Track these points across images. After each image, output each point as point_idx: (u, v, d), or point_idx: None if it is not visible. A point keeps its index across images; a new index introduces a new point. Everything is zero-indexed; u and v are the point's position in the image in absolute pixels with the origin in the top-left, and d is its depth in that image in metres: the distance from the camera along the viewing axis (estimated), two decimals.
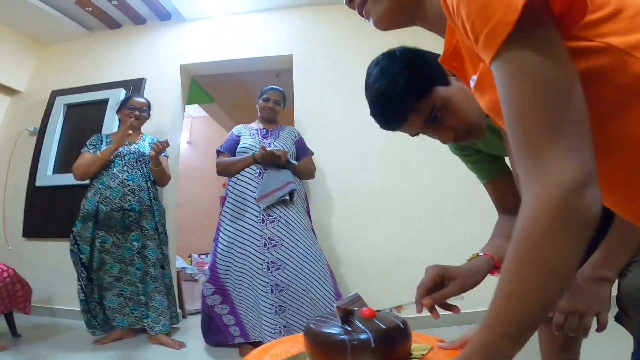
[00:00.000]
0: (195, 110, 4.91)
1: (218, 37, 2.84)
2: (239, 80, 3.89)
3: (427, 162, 2.34)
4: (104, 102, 2.72)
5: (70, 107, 2.82)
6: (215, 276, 1.88)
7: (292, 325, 1.73)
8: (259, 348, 0.74)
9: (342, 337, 0.58)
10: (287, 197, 1.87)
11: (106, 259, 1.99)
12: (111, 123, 2.63)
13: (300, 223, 1.88)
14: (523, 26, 0.36)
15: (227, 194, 1.99)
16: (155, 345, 1.98)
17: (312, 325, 0.64)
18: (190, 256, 5.05)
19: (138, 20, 2.94)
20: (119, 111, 2.21)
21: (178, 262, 2.96)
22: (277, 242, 1.81)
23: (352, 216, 2.37)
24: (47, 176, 2.66)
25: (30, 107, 2.94)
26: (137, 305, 2.01)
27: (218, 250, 1.89)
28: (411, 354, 0.64)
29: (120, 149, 2.06)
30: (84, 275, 1.95)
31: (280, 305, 1.74)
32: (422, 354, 0.67)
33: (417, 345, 0.71)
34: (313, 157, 2.20)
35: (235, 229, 1.87)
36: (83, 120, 2.78)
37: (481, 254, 0.80)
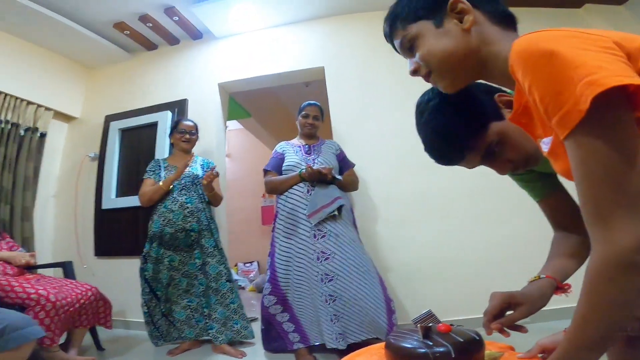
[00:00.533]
0: (232, 123, 5.00)
1: (250, 53, 2.95)
2: (271, 93, 4.00)
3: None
4: (153, 125, 2.91)
5: (124, 132, 3.03)
6: (277, 288, 1.98)
7: (347, 332, 1.81)
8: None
9: (424, 350, 0.64)
10: (336, 213, 1.95)
11: (174, 275, 2.17)
12: (163, 145, 2.81)
13: (348, 236, 1.96)
14: (592, 113, 0.42)
15: (277, 211, 2.09)
16: (219, 355, 2.12)
17: (392, 340, 0.71)
18: (236, 265, 5.29)
19: (172, 40, 3.13)
20: (171, 135, 2.37)
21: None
22: (329, 255, 1.89)
23: (397, 223, 2.41)
24: (111, 199, 2.89)
25: (88, 132, 3.17)
26: (202, 317, 2.16)
27: (276, 264, 1.99)
28: None
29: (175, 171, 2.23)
30: (147, 291, 2.13)
31: (334, 315, 1.82)
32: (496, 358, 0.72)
33: (489, 352, 0.76)
34: (355, 168, 2.27)
35: (290, 244, 1.98)
36: (137, 143, 2.97)
37: (543, 276, 0.81)
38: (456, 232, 2.32)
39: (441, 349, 0.64)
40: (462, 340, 0.65)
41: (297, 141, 2.26)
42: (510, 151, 0.73)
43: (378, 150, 2.51)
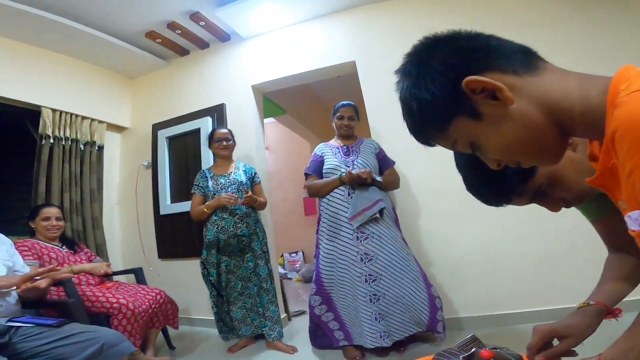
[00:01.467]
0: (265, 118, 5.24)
1: (278, 51, 2.97)
2: (304, 87, 4.01)
3: None
4: (196, 132, 3.07)
5: (170, 139, 3.21)
6: (321, 288, 2.09)
7: (391, 331, 1.88)
8: None
9: None
10: (378, 215, 2.00)
11: (231, 278, 2.35)
12: (207, 151, 2.90)
13: (391, 237, 2.00)
14: None
15: (320, 214, 2.18)
16: (273, 350, 2.29)
17: None
18: (282, 255, 5.51)
19: (202, 44, 3.22)
20: (210, 145, 2.51)
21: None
22: (372, 256, 1.95)
23: (442, 218, 2.39)
24: (168, 205, 3.12)
25: (139, 142, 3.39)
26: (256, 316, 2.34)
27: (321, 265, 2.09)
28: None
29: (223, 181, 2.38)
30: (215, 293, 2.33)
31: (379, 313, 1.89)
32: None
33: None
34: (395, 166, 2.27)
35: (334, 246, 2.06)
36: (183, 150, 3.16)
37: (592, 302, 0.78)
38: (507, 226, 2.26)
39: None
40: None
41: (335, 142, 2.29)
42: (563, 191, 0.71)
43: (420, 144, 2.46)
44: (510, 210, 2.20)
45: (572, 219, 2.07)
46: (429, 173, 2.42)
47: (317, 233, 2.18)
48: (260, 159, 2.99)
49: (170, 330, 2.49)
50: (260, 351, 2.31)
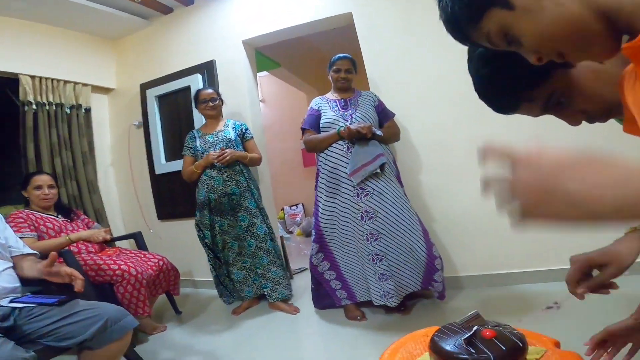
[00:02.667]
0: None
1: (269, 4, 2.77)
2: (298, 40, 3.80)
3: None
4: (186, 90, 2.96)
5: (160, 98, 3.11)
6: (324, 245, 2.06)
7: (395, 291, 1.88)
8: (387, 352, 0.89)
9: (465, 357, 0.68)
10: (378, 170, 1.93)
11: (226, 239, 2.35)
12: None
13: (392, 193, 1.94)
14: None
15: (319, 170, 2.11)
16: (275, 311, 2.34)
17: (436, 339, 0.75)
18: (282, 209, 5.55)
19: (185, 0, 3.02)
20: (196, 107, 2.45)
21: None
22: (372, 214, 1.91)
23: (444, 172, 2.31)
24: (162, 164, 3.07)
25: (128, 102, 3.29)
26: (257, 277, 2.36)
27: (321, 222, 2.04)
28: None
29: (210, 139, 2.34)
30: (211, 256, 2.35)
31: (382, 274, 1.89)
32: (537, 359, 0.75)
33: (532, 348, 0.78)
34: (395, 118, 2.18)
35: (334, 203, 2.01)
36: (175, 108, 3.06)
37: None
38: None
39: (483, 357, 0.67)
40: (504, 349, 0.68)
41: (331, 96, 2.19)
42: (583, 102, 0.62)
43: (422, 97, 2.34)
44: None
45: None
46: (431, 126, 2.32)
47: (315, 189, 2.13)
48: (255, 113, 2.91)
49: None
50: (263, 312, 2.36)
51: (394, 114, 2.18)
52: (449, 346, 0.72)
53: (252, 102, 2.90)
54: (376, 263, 1.91)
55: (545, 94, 0.62)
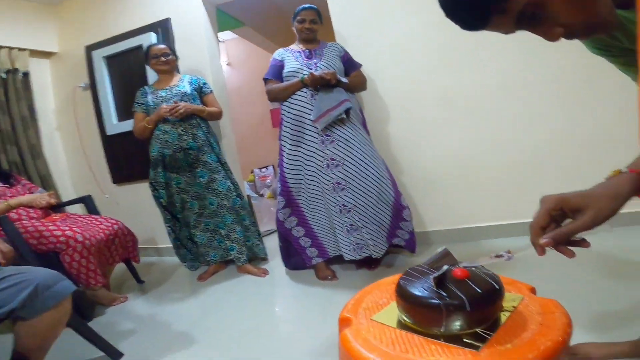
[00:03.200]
0: (226, 34, 4.83)
1: None
2: None
3: (500, 58, 2.03)
4: (139, 49, 2.75)
5: (109, 59, 2.90)
6: (290, 199, 1.96)
7: (364, 244, 1.83)
8: (350, 302, 0.80)
9: (436, 301, 0.60)
10: (344, 115, 1.85)
11: (185, 198, 2.20)
12: None
13: (358, 140, 1.86)
14: None
15: (282, 119, 2.00)
16: (244, 275, 2.24)
17: (402, 284, 0.66)
18: (252, 172, 5.43)
19: None
20: (148, 63, 2.27)
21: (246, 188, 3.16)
22: (339, 162, 1.83)
23: (413, 124, 2.23)
24: (114, 124, 2.85)
25: (72, 65, 3.03)
26: (222, 238, 2.24)
27: (286, 175, 1.95)
28: (502, 307, 0.65)
29: (163, 93, 2.18)
30: (169, 217, 2.20)
31: (350, 225, 1.83)
32: (514, 307, 0.67)
33: (509, 295, 0.71)
34: (362, 69, 2.09)
35: (298, 152, 1.91)
36: (127, 68, 2.85)
37: (625, 170, 0.58)
38: (483, 134, 2.12)
39: (455, 302, 0.58)
40: (479, 291, 0.59)
41: (296, 47, 2.08)
42: (561, 14, 0.54)
43: (389, 48, 2.22)
44: (485, 118, 2.11)
45: (552, 128, 2.03)
46: (400, 78, 2.22)
47: (279, 139, 2.03)
48: (216, 72, 2.71)
49: (136, 264, 2.38)
50: (231, 277, 2.26)
51: (360, 65, 2.09)
52: (416, 290, 0.63)
53: (213, 61, 2.71)
54: (344, 215, 1.83)
55: (520, 5, 0.54)
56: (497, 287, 0.61)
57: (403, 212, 1.87)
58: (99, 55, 2.88)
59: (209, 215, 2.22)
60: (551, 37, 0.57)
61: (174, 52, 2.27)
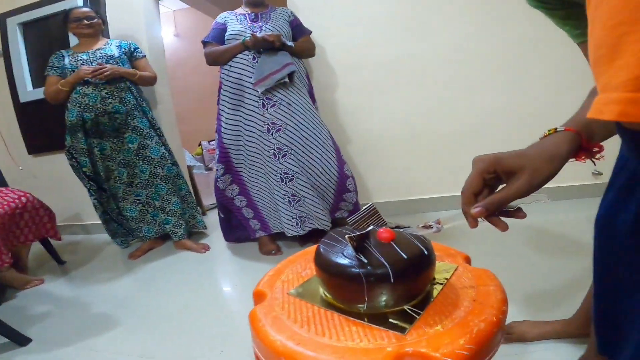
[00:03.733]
0: (175, 3, 4.63)
1: None
2: None
3: (451, 29, 2.00)
4: (61, 14, 2.36)
5: (26, 25, 2.57)
6: (230, 165, 1.84)
7: (307, 216, 1.74)
8: (269, 274, 0.69)
9: (356, 270, 0.50)
10: (287, 79, 1.71)
11: (111, 166, 1.98)
12: None
13: (302, 105, 1.75)
14: None
15: (221, 83, 1.84)
16: (182, 251, 2.08)
17: (322, 251, 0.56)
18: (200, 144, 5.17)
19: None
20: (67, 28, 2.00)
21: (186, 158, 2.96)
22: (280, 126, 1.71)
23: (360, 91, 2.16)
24: (29, 91, 2.54)
25: None
26: (156, 211, 2.05)
27: (225, 141, 1.81)
28: (434, 279, 0.57)
29: (84, 56, 1.93)
30: (94, 188, 1.97)
31: (293, 195, 1.73)
32: (446, 278, 0.60)
33: (442, 265, 0.64)
34: (312, 35, 1.95)
35: (238, 116, 1.77)
36: (46, 35, 2.54)
37: (561, 128, 0.52)
38: (431, 103, 2.10)
39: (378, 271, 0.49)
40: (405, 257, 0.50)
41: (241, 10, 1.89)
42: None
43: (341, 16, 2.11)
44: (432, 87, 2.01)
45: (495, 99, 2.02)
46: (350, 46, 2.12)
47: (217, 104, 1.87)
48: (153, 39, 2.43)
49: (58, 243, 2.14)
50: (167, 254, 2.09)
51: (310, 31, 1.95)
52: (335, 257, 0.54)
53: (151, 27, 2.42)
54: (285, 184, 1.72)
55: None
56: (426, 253, 0.53)
57: (347, 181, 1.80)
58: (13, 22, 2.55)
59: (141, 185, 2.02)
60: None
61: (100, 16, 2.04)
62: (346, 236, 0.51)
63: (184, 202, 2.13)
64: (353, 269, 0.51)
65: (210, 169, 4.77)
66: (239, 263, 1.88)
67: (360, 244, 0.53)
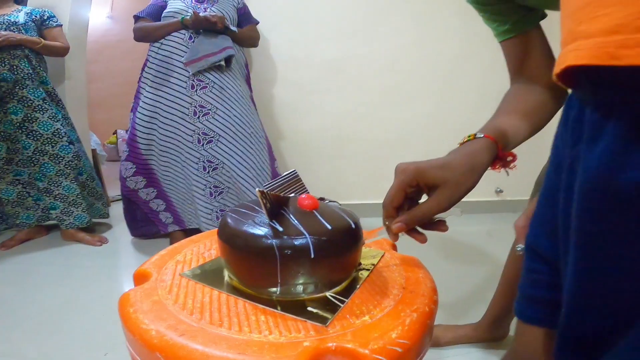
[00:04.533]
0: None
1: None
2: None
3: (391, 36, 2.06)
4: None
5: None
6: (136, 153, 1.62)
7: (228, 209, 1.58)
8: (160, 253, 0.55)
9: (269, 241, 0.39)
10: (223, 63, 1.57)
11: None
12: None
13: (236, 90, 1.61)
14: None
15: (147, 60, 1.64)
16: (72, 243, 1.76)
17: (229, 220, 0.44)
18: (115, 132, 4.67)
19: None
20: None
21: (92, 141, 2.61)
22: (209, 109, 1.55)
23: (299, 89, 2.11)
24: None
25: None
26: (40, 194, 1.73)
27: (137, 122, 1.60)
28: (359, 264, 0.49)
29: None
30: None
31: (215, 186, 1.56)
32: (373, 264, 0.52)
33: (368, 250, 0.56)
34: (258, 26, 1.85)
35: (158, 96, 1.57)
36: None
37: (480, 135, 0.52)
38: (365, 108, 2.12)
39: (297, 242, 0.39)
40: (330, 228, 0.41)
41: None
42: None
43: (291, 11, 2.07)
44: (368, 92, 1.97)
45: (424, 109, 2.09)
46: (294, 41, 2.08)
47: (139, 81, 1.67)
48: (77, 14, 2.15)
49: None
50: (51, 245, 1.75)
51: (257, 21, 1.85)
52: (244, 225, 0.42)
53: (77, 1, 2.14)
54: (208, 173, 1.55)
55: None
56: (353, 226, 0.44)
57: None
58: None
59: (22, 163, 1.69)
60: None
61: None
62: (257, 190, 0.40)
63: (84, 188, 1.82)
64: (264, 239, 0.40)
65: (118, 158, 4.31)
66: (142, 259, 1.64)
67: (276, 210, 0.42)
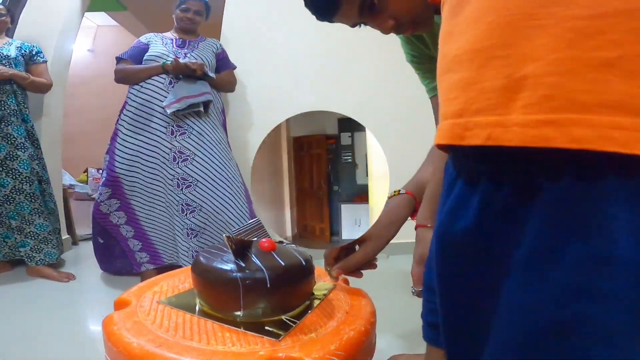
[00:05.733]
0: (102, 18, 4.44)
1: None
2: None
3: (368, 78, 2.19)
4: None
5: None
6: (120, 191, 1.65)
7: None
8: (139, 285, 0.63)
9: (234, 274, 0.50)
10: (201, 109, 1.66)
11: None
12: None
13: (214, 136, 1.70)
14: None
15: (125, 103, 1.71)
16: (37, 280, 1.74)
17: (201, 258, 0.54)
18: (86, 171, 4.61)
19: None
20: None
21: (65, 179, 2.61)
22: (188, 155, 1.62)
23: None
24: None
25: None
26: (11, 232, 1.73)
27: (117, 163, 1.64)
28: (313, 294, 0.60)
29: None
30: None
31: (192, 228, 1.61)
32: (324, 294, 0.63)
33: (321, 284, 0.67)
34: (235, 71, 1.98)
35: (139, 140, 1.64)
36: None
37: (403, 191, 0.68)
38: None
39: (256, 275, 0.49)
40: (284, 264, 0.52)
41: (169, 34, 1.85)
42: (394, 5, 0.61)
43: (269, 59, 2.20)
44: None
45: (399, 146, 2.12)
46: (270, 87, 2.20)
47: (116, 123, 1.72)
48: (61, 48, 2.22)
49: None
50: (16, 280, 1.73)
51: (234, 66, 1.98)
52: (213, 262, 0.53)
53: (65, 33, 2.24)
54: (186, 215, 1.61)
55: None
56: (304, 263, 0.55)
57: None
58: None
59: None
60: (385, 29, 0.64)
61: (10, 14, 1.90)
62: (224, 235, 0.52)
63: (54, 226, 1.84)
64: (230, 273, 0.50)
65: (93, 199, 4.24)
66: (112, 294, 1.62)
67: (241, 251, 0.53)
